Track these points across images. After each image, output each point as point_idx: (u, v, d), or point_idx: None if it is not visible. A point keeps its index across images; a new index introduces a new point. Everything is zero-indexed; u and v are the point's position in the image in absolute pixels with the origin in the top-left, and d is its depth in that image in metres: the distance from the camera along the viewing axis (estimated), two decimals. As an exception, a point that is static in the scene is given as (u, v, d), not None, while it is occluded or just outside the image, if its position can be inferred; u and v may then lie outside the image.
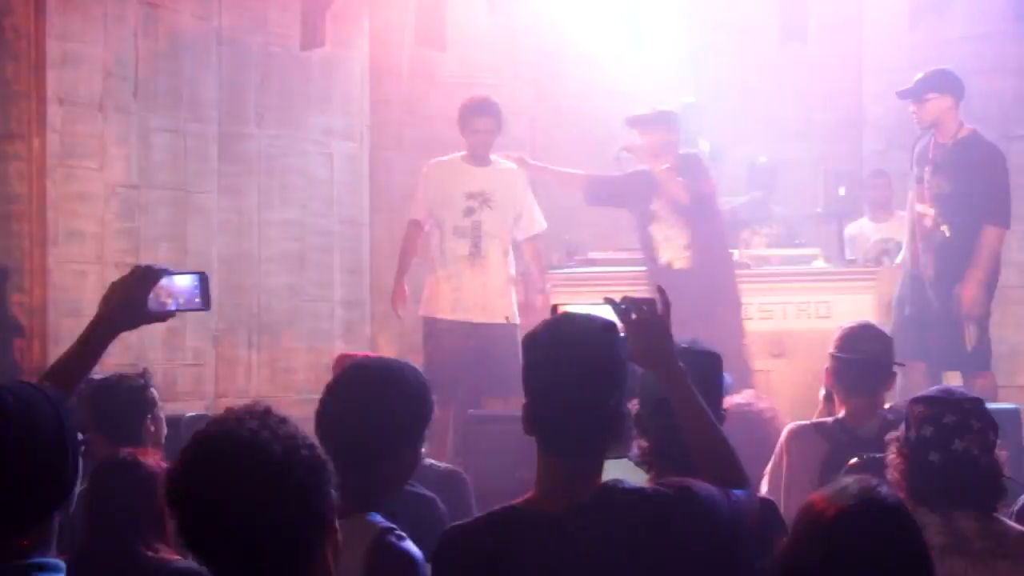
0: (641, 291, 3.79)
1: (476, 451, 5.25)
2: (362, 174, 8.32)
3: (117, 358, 6.00)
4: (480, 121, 6.54)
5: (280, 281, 7.89)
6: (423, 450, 2.91)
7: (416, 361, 4.23)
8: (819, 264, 7.31)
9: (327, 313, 8.08)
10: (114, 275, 6.86)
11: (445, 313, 6.60)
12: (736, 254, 7.07)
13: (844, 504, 2.20)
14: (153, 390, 4.21)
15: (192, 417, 5.29)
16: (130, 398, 4.08)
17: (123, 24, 7.31)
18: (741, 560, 2.43)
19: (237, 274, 7.59)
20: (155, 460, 3.42)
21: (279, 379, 7.78)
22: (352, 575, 2.32)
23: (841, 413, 4.09)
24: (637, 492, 2.31)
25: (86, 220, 7.13)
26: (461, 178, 6.63)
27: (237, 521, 1.77)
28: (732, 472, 2.45)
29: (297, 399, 7.61)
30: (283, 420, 1.86)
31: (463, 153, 6.68)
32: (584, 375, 2.30)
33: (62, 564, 1.93)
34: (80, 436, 1.97)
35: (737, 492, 2.40)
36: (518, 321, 6.54)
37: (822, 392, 4.32)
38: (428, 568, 2.42)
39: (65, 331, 6.51)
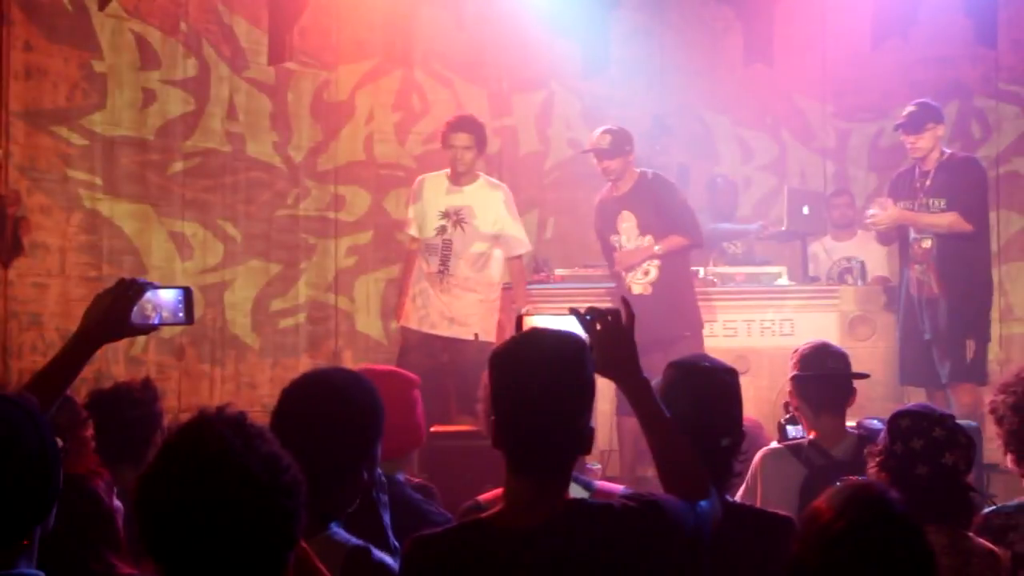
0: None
1: (440, 468, 5.22)
2: (328, 189, 8.30)
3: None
4: (457, 137, 6.54)
5: (244, 295, 7.86)
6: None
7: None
8: (783, 282, 7.36)
9: (292, 328, 8.05)
10: (76, 288, 6.93)
11: (415, 324, 6.60)
12: (701, 272, 7.10)
13: (852, 512, 2.21)
14: (159, 404, 4.12)
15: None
16: (135, 413, 3.95)
17: (89, 36, 7.28)
18: (704, 570, 2.44)
19: (201, 289, 7.55)
20: (96, 470, 3.36)
21: (243, 394, 7.74)
22: None
23: (811, 435, 4.06)
24: (604, 508, 2.31)
25: (48, 233, 7.08)
26: (439, 195, 6.63)
27: (206, 536, 1.77)
28: (696, 483, 2.45)
29: (262, 414, 7.54)
30: (259, 433, 1.85)
31: (448, 171, 6.68)
32: (553, 395, 2.29)
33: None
34: (59, 443, 1.97)
35: (702, 504, 2.40)
36: (492, 339, 6.52)
37: (783, 419, 4.28)
38: None
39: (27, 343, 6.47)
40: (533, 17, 8.90)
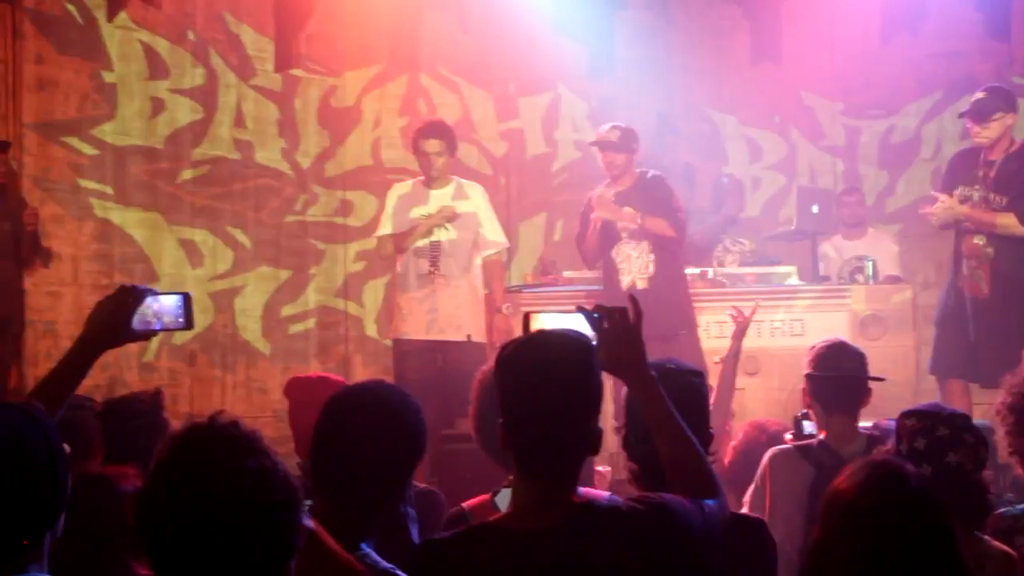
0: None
1: (449, 471, 5.22)
2: (336, 194, 8.32)
3: (92, 378, 5.91)
4: (427, 143, 6.57)
5: (255, 301, 7.88)
6: None
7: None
8: (793, 282, 7.34)
9: (302, 333, 8.07)
10: (89, 296, 6.96)
11: (409, 333, 6.59)
12: (711, 272, 7.09)
13: (875, 487, 2.24)
14: (165, 413, 4.15)
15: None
16: (142, 422, 3.95)
17: (98, 47, 7.32)
18: (713, 570, 2.43)
19: (211, 295, 7.58)
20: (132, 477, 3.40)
21: (254, 399, 7.77)
22: None
23: (822, 435, 4.04)
24: (613, 510, 2.30)
25: (61, 242, 7.11)
26: (416, 200, 6.64)
27: (201, 551, 1.78)
28: (703, 482, 2.44)
29: (272, 419, 7.59)
30: (258, 451, 1.86)
31: (422, 177, 6.70)
32: (563, 399, 2.28)
33: None
34: (67, 449, 2.00)
35: (709, 503, 2.40)
36: (483, 339, 6.54)
37: (799, 413, 4.27)
38: None
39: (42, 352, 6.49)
40: (538, 19, 8.90)
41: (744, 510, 3.93)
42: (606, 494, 2.68)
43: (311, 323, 8.09)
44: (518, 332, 2.73)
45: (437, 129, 6.60)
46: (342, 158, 8.36)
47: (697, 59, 9.17)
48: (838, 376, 4.04)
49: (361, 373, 7.80)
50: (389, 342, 6.92)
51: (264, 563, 1.83)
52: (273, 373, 7.86)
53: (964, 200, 5.96)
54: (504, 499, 2.83)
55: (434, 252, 6.57)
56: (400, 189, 6.77)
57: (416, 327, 6.60)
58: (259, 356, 7.84)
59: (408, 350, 6.55)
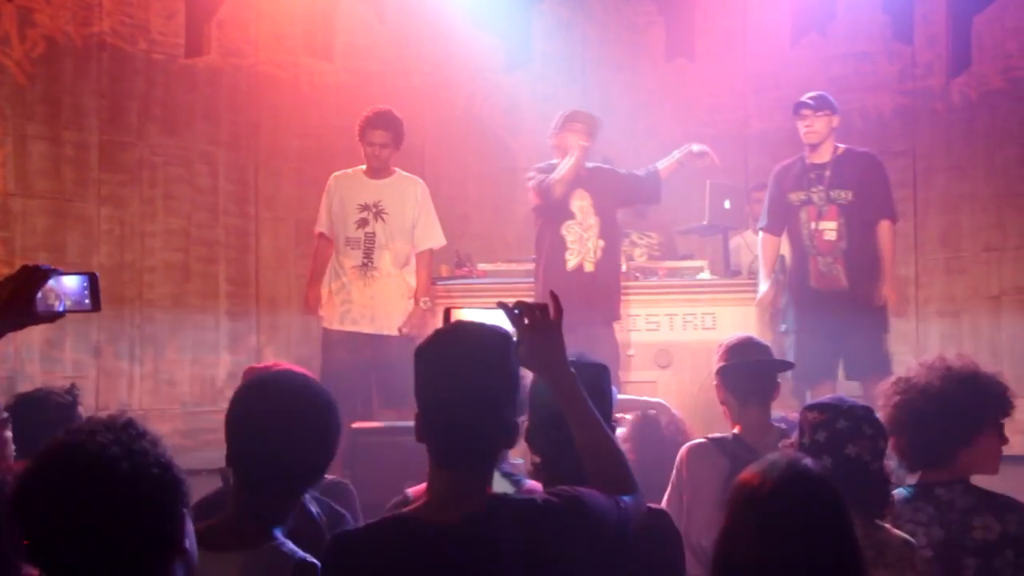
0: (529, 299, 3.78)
1: (363, 464, 5.19)
2: (248, 184, 8.20)
3: (-8, 370, 5.84)
4: (374, 134, 6.54)
5: (163, 292, 7.74)
6: None
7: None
8: (705, 276, 7.41)
9: (212, 324, 7.94)
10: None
11: (337, 324, 6.58)
12: (624, 266, 7.14)
13: (777, 476, 2.30)
14: (81, 408, 4.04)
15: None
16: (57, 416, 3.82)
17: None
18: (629, 565, 2.44)
19: (119, 285, 7.42)
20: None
21: (162, 391, 7.62)
22: None
23: (736, 429, 4.09)
24: (527, 503, 2.31)
25: (-40, 229, 6.92)
26: (357, 190, 6.62)
27: (76, 535, 1.76)
28: (621, 478, 2.45)
29: (181, 411, 7.48)
30: (141, 435, 1.85)
31: (364, 167, 6.66)
32: (478, 389, 2.28)
33: None
34: None
35: (626, 499, 2.40)
36: (412, 332, 6.52)
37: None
38: None
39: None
40: (455, 11, 8.89)
41: (663, 503, 3.98)
42: (539, 485, 2.68)
43: (222, 314, 7.97)
44: (432, 327, 2.71)
45: (384, 120, 6.56)
46: (255, 147, 8.24)
47: (614, 54, 9.23)
48: (751, 363, 4.11)
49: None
50: (304, 332, 6.90)
51: (143, 554, 1.81)
52: (181, 365, 7.72)
53: (803, 203, 6.40)
54: None
55: (368, 244, 6.55)
56: (341, 179, 6.72)
57: (331, 318, 6.58)
58: (167, 347, 7.70)
59: (335, 338, 6.52)
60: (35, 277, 2.53)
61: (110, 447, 1.79)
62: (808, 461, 2.39)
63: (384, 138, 6.53)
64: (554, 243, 6.64)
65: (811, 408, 3.14)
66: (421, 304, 6.64)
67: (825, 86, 7.80)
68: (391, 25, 8.89)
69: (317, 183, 7.15)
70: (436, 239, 6.76)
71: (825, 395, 5.97)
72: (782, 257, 7.28)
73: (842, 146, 6.44)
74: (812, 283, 6.38)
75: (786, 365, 4.49)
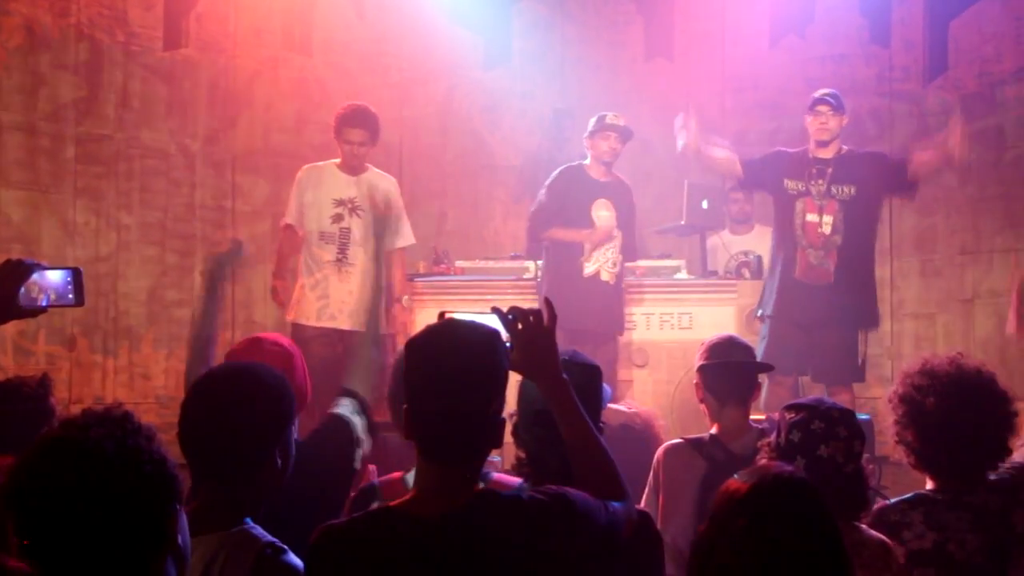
0: (521, 301, 3.77)
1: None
2: (225, 178, 8.16)
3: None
4: (352, 132, 6.50)
5: (139, 285, 7.69)
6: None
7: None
8: (682, 276, 7.43)
9: (187, 318, 7.89)
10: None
11: (311, 320, 6.53)
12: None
13: (757, 479, 2.31)
14: (53, 399, 3.99)
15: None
16: (29, 407, 3.78)
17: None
18: (616, 570, 2.44)
19: (94, 278, 7.36)
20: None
21: (137, 385, 7.58)
22: None
23: (714, 429, 4.09)
24: (513, 499, 2.31)
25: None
26: (332, 185, 6.58)
27: (68, 531, 1.75)
28: (611, 485, 2.45)
29: (155, 405, 7.43)
30: (136, 430, 1.83)
31: (338, 160, 6.62)
32: (465, 383, 2.28)
33: None
34: None
35: (615, 504, 2.41)
36: (385, 330, 6.51)
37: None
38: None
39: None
40: (434, 8, 8.88)
41: (641, 503, 3.96)
42: (518, 480, 2.68)
43: (197, 307, 7.91)
44: (415, 325, 2.72)
45: (362, 118, 6.52)
46: (231, 141, 8.20)
47: (593, 53, 9.24)
48: (731, 363, 4.10)
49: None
50: (279, 326, 6.84)
51: (136, 549, 1.80)
52: (156, 359, 7.69)
53: (800, 193, 6.34)
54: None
55: (343, 239, 6.52)
56: (313, 171, 6.67)
57: (308, 313, 6.54)
58: (142, 341, 7.65)
59: (309, 336, 6.48)
60: (18, 271, 2.50)
61: (104, 442, 1.78)
62: (790, 468, 2.40)
63: (362, 136, 6.50)
64: (570, 247, 6.66)
65: (790, 408, 3.14)
66: (403, 302, 6.63)
67: (802, 88, 7.86)
68: (370, 21, 8.87)
69: (294, 177, 7.11)
70: (407, 238, 6.75)
71: (785, 391, 6.08)
72: (759, 256, 7.32)
73: (846, 147, 6.44)
74: (798, 275, 6.32)
75: (766, 367, 4.49)
